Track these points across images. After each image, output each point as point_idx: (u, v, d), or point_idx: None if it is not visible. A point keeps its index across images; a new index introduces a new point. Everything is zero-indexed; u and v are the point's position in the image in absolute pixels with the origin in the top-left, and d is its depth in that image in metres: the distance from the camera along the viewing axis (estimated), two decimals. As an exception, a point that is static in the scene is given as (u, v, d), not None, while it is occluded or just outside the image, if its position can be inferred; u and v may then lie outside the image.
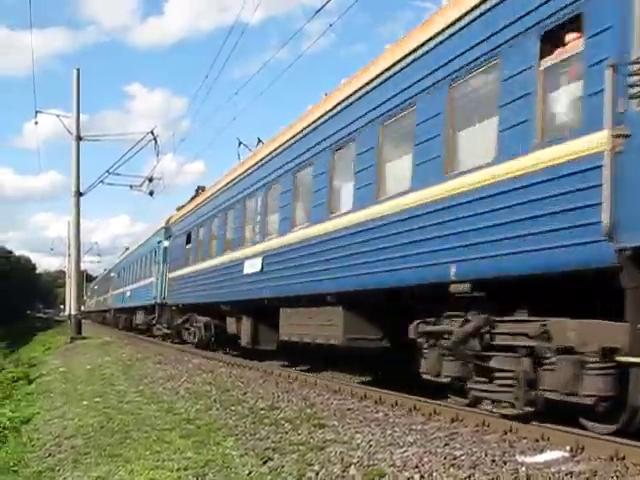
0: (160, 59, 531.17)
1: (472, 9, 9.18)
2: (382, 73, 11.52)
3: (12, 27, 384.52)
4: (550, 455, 6.63)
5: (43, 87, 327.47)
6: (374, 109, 11.71)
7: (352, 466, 6.69)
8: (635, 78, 6.59)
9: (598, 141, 7.00)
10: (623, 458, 6.38)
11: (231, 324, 21.06)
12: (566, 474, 5.91)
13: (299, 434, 8.42)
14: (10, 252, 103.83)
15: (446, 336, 9.66)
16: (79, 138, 35.48)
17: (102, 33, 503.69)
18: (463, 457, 6.67)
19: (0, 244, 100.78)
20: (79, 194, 35.39)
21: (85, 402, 12.89)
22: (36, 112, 38.31)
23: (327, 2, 15.45)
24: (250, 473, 6.93)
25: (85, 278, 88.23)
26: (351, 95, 12.67)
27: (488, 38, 8.86)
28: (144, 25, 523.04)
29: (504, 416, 8.31)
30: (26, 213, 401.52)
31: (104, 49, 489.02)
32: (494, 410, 8.73)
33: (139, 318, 40.21)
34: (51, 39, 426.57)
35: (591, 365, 7.23)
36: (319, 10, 15.79)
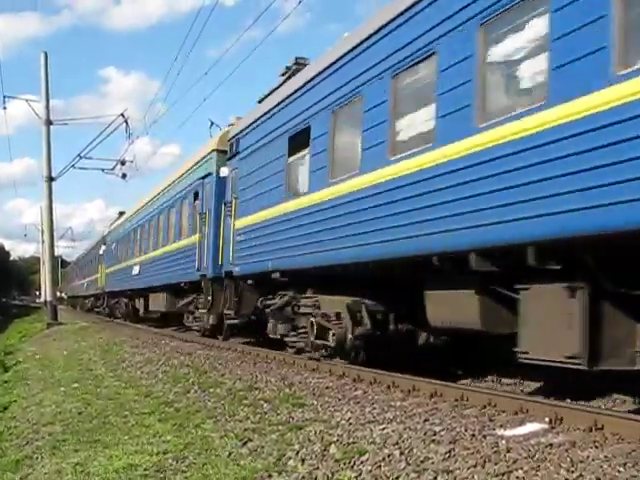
0: (136, 42, 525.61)
1: None
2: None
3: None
4: (529, 427, 6.65)
5: (16, 73, 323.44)
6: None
7: (332, 445, 6.68)
8: None
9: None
10: (602, 428, 6.41)
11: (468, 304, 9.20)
12: (546, 446, 5.92)
13: (278, 414, 8.40)
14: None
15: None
16: (49, 122, 35.20)
17: (76, 17, 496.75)
18: (443, 432, 6.67)
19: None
20: (51, 179, 35.19)
21: (63, 388, 12.83)
22: (4, 97, 37.92)
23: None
24: (230, 454, 6.92)
25: (60, 264, 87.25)
26: None
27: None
28: (120, 7, 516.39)
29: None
30: (1, 200, 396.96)
31: (78, 33, 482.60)
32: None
33: (156, 303, 27.88)
34: (24, 24, 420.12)
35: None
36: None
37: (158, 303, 27.44)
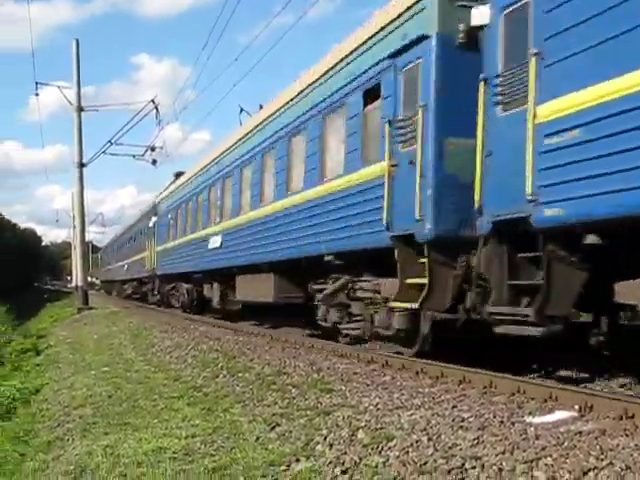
0: (167, 28, 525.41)
1: None
2: None
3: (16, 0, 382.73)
4: (559, 415, 6.60)
5: (49, 60, 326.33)
6: None
7: (360, 430, 6.68)
8: None
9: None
10: (632, 417, 6.33)
11: None
12: (575, 434, 5.87)
13: (306, 399, 8.41)
14: (15, 225, 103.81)
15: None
16: (80, 109, 35.48)
17: (109, 4, 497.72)
18: (471, 419, 6.64)
19: (6, 217, 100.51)
20: (82, 165, 35.46)
21: (93, 372, 12.96)
22: (36, 84, 38.32)
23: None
24: (258, 439, 6.94)
25: (91, 249, 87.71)
26: None
27: None
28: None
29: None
30: (33, 186, 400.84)
31: (110, 20, 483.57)
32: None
33: (253, 290, 18.50)
34: (56, 11, 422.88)
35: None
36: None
37: (257, 290, 18.12)
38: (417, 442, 6.05)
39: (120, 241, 55.58)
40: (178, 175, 33.84)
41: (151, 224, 36.21)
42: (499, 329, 8.95)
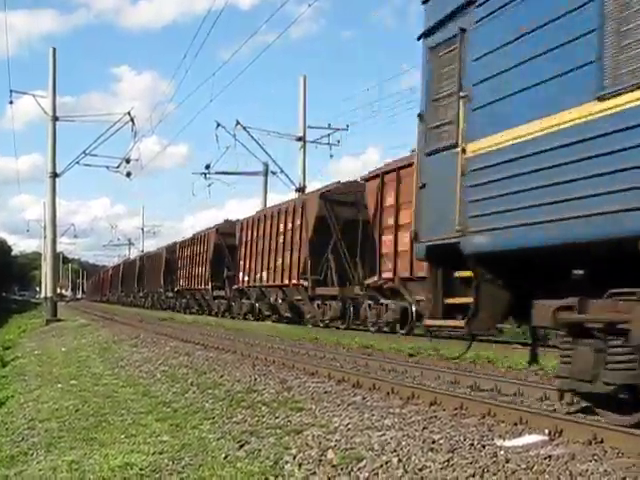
0: (150, 41, 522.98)
1: None
2: None
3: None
4: (528, 439, 6.60)
5: (31, 69, 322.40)
6: None
7: (330, 450, 6.64)
8: None
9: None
10: (602, 442, 6.35)
11: None
12: (544, 458, 5.88)
13: (276, 417, 8.36)
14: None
15: None
16: (55, 119, 35.35)
17: (92, 16, 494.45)
18: (441, 441, 6.63)
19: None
20: (55, 175, 35.28)
21: (60, 385, 12.79)
22: (11, 92, 38.21)
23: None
24: (227, 457, 6.87)
25: (62, 260, 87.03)
26: None
27: None
28: (135, 7, 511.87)
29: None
30: (6, 195, 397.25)
31: (93, 32, 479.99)
32: None
33: None
34: (39, 21, 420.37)
35: None
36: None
37: None
38: (387, 463, 6.02)
39: None
40: None
41: None
42: None
